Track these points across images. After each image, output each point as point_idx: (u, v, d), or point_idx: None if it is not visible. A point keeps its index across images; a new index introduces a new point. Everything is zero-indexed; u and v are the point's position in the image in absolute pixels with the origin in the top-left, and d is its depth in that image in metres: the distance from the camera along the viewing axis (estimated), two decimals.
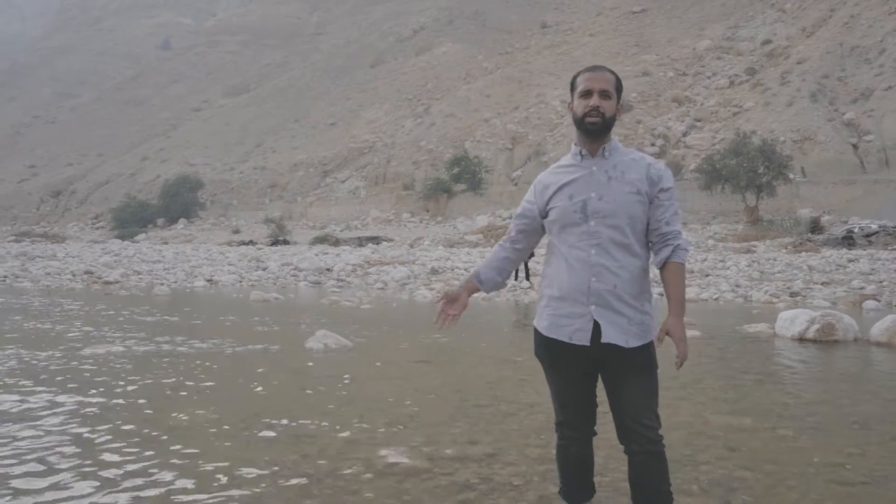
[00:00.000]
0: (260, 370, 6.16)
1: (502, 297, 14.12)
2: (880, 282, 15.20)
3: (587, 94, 2.47)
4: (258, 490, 3.19)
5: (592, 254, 2.44)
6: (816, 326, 8.03)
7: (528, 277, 12.00)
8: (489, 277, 2.71)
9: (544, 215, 2.59)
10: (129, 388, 5.40)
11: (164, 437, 4.03)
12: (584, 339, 2.46)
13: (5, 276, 19.62)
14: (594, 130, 2.47)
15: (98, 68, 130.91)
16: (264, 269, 21.93)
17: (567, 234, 2.50)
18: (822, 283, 15.32)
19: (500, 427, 4.31)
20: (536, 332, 2.60)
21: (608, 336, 2.43)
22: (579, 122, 2.49)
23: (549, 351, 2.55)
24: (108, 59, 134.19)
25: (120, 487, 3.22)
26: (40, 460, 3.59)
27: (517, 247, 2.72)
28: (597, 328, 2.44)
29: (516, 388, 5.37)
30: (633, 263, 2.48)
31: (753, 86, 54.80)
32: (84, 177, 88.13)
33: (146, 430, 4.17)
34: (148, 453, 3.72)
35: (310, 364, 6.52)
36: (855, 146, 42.72)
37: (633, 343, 2.46)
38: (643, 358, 2.49)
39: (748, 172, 33.73)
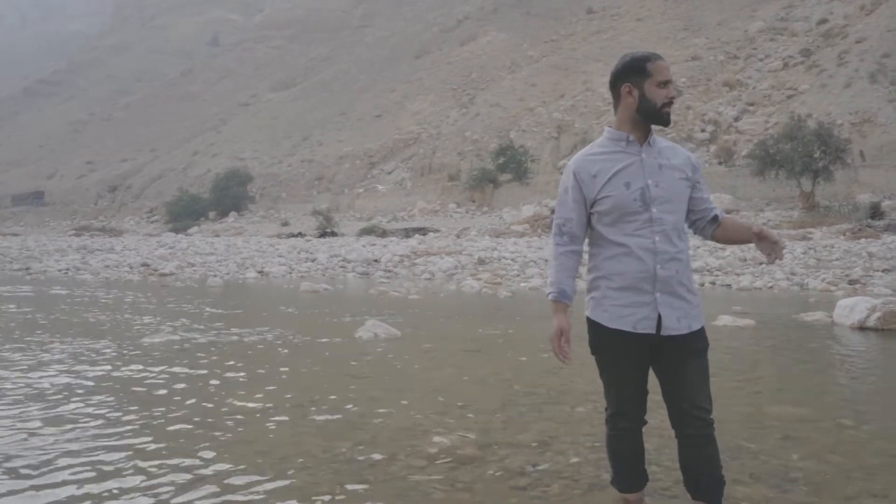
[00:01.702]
0: (311, 359, 6.27)
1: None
2: None
3: (665, 84, 2.48)
4: (312, 476, 3.25)
5: (657, 241, 2.46)
6: (878, 314, 7.76)
7: None
8: (573, 288, 2.64)
9: (591, 205, 2.54)
10: (185, 375, 5.56)
11: (219, 423, 4.14)
12: (649, 327, 2.47)
13: (67, 269, 20.36)
14: (668, 121, 2.51)
15: (151, 65, 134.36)
16: (313, 261, 22.24)
17: (624, 224, 2.48)
18: (884, 271, 14.79)
19: (551, 415, 4.30)
20: (594, 323, 2.57)
21: (670, 325, 2.47)
22: (656, 111, 2.49)
23: (613, 343, 2.53)
24: (160, 56, 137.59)
25: (176, 471, 3.32)
26: (97, 439, 3.73)
27: (579, 246, 2.63)
28: (660, 316, 2.47)
29: (566, 376, 5.34)
30: (686, 248, 2.56)
31: (809, 67, 53.01)
32: (138, 172, 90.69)
33: (200, 417, 4.29)
34: (201, 438, 3.83)
35: (360, 353, 6.61)
36: None
37: (695, 326, 2.52)
38: (701, 341, 2.54)
39: (803, 157, 32.65)
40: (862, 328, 7.76)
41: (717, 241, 2.68)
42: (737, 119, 51.11)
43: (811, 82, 50.17)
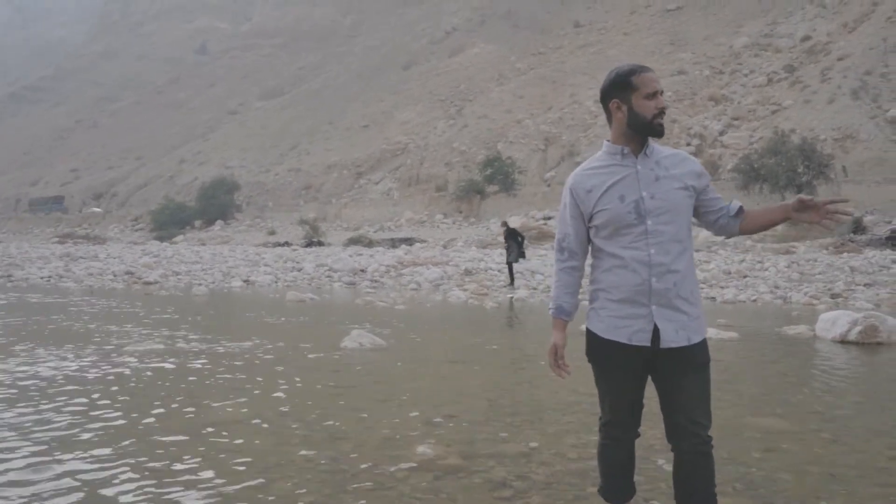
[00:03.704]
0: (296, 369, 6.25)
1: (536, 299, 14.08)
2: None
3: (654, 95, 2.45)
4: (295, 485, 3.25)
5: (652, 253, 2.43)
6: (859, 328, 7.85)
7: (512, 283, 11.99)
8: (572, 304, 2.65)
9: (588, 219, 2.55)
10: (167, 385, 5.53)
11: (200, 433, 4.12)
12: (644, 339, 2.45)
13: (50, 277, 20.16)
14: (662, 132, 2.48)
15: (138, 72, 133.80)
16: (300, 270, 22.17)
17: (621, 237, 2.47)
18: (865, 285, 14.95)
19: (536, 426, 4.31)
20: (591, 333, 2.57)
21: (668, 338, 2.44)
22: (647, 123, 2.46)
23: (607, 353, 2.53)
24: (147, 63, 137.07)
25: (159, 478, 3.30)
26: (74, 444, 3.70)
27: (578, 262, 2.63)
28: (657, 329, 2.44)
29: (552, 388, 5.36)
30: (688, 259, 2.50)
31: (792, 83, 53.72)
32: (124, 179, 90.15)
33: (184, 425, 4.27)
34: (182, 448, 3.81)
35: (345, 363, 6.59)
36: None
37: (694, 339, 2.47)
38: (702, 354, 2.50)
39: (787, 172, 33.05)
40: (843, 342, 7.84)
41: (747, 232, 2.61)
42: (722, 133, 51.65)
43: (795, 98, 50.82)
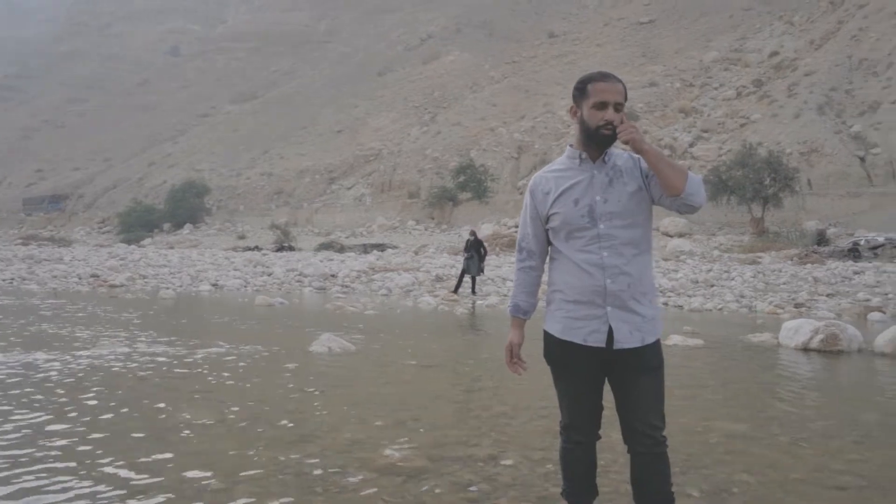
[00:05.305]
0: (264, 372, 6.20)
1: (507, 305, 14.14)
2: (886, 294, 15.15)
3: (602, 105, 2.45)
4: (261, 488, 3.23)
5: (605, 256, 2.46)
6: (820, 336, 8.02)
7: (473, 291, 12.08)
8: (529, 304, 2.68)
9: (545, 221, 2.59)
10: (133, 388, 5.45)
11: (169, 435, 4.07)
12: (599, 340, 2.47)
13: (12, 279, 19.74)
14: (607, 143, 2.48)
15: (107, 74, 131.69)
16: (269, 275, 21.99)
17: (575, 239, 2.50)
18: (827, 295, 15.28)
19: (503, 430, 4.33)
20: (548, 335, 2.60)
21: (622, 338, 2.46)
22: (592, 133, 2.47)
23: (563, 354, 2.56)
24: (116, 64, 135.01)
25: (124, 481, 3.26)
26: (35, 453, 3.64)
27: (536, 262, 2.66)
28: (611, 330, 2.46)
29: (519, 391, 5.39)
30: (643, 261, 2.53)
31: (760, 97, 54.78)
32: (91, 181, 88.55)
33: (149, 428, 4.22)
34: (151, 449, 3.76)
35: (314, 367, 6.56)
36: (862, 159, 42.62)
37: (648, 340, 2.50)
38: (655, 356, 2.53)
39: (754, 184, 33.69)
40: (805, 349, 8.00)
41: (675, 190, 2.44)
42: (692, 145, 52.42)
43: (763, 112, 51.81)
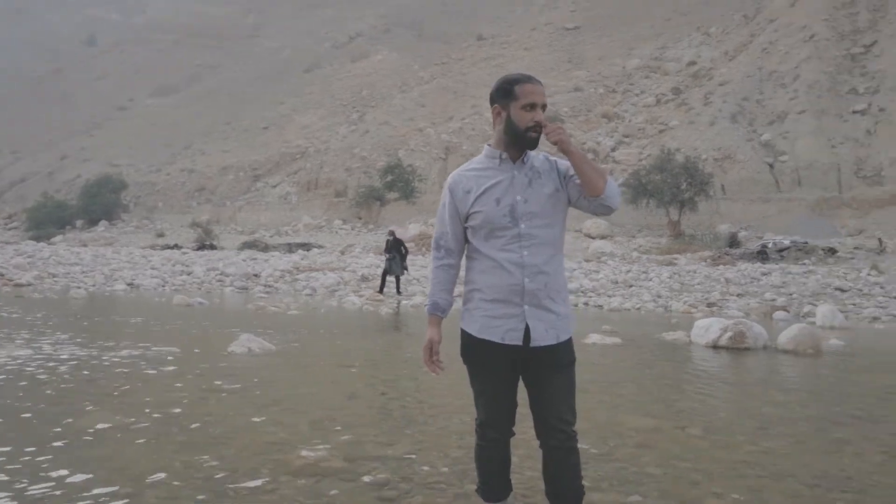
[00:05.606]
0: (178, 373, 6.01)
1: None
2: (790, 294, 15.97)
3: (531, 107, 2.49)
4: (170, 492, 3.12)
5: (525, 255, 2.50)
6: (729, 334, 8.40)
7: (399, 291, 12.14)
8: (447, 301, 2.68)
9: (465, 219, 2.60)
10: (33, 391, 5.18)
11: (74, 439, 3.90)
12: (516, 339, 2.51)
13: None
14: (532, 145, 2.53)
15: (14, 62, 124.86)
16: (189, 274, 21.33)
17: (496, 238, 2.52)
18: (738, 295, 15.99)
19: (422, 429, 4.34)
20: (466, 334, 2.62)
21: (538, 336, 2.50)
22: (520, 134, 2.50)
23: (480, 352, 2.58)
24: (28, 52, 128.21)
25: (24, 488, 3.09)
26: None
27: (454, 260, 2.67)
28: (528, 328, 2.50)
29: (439, 391, 5.41)
30: (559, 260, 2.59)
31: (678, 105, 56.80)
32: None
33: (52, 433, 4.02)
34: (53, 455, 3.59)
35: (232, 367, 6.40)
36: (771, 166, 44.76)
37: (563, 337, 2.56)
38: (568, 353, 2.59)
39: (672, 188, 34.92)
40: (715, 347, 8.36)
41: (595, 190, 2.49)
42: (614, 149, 53.86)
43: (681, 119, 53.72)
